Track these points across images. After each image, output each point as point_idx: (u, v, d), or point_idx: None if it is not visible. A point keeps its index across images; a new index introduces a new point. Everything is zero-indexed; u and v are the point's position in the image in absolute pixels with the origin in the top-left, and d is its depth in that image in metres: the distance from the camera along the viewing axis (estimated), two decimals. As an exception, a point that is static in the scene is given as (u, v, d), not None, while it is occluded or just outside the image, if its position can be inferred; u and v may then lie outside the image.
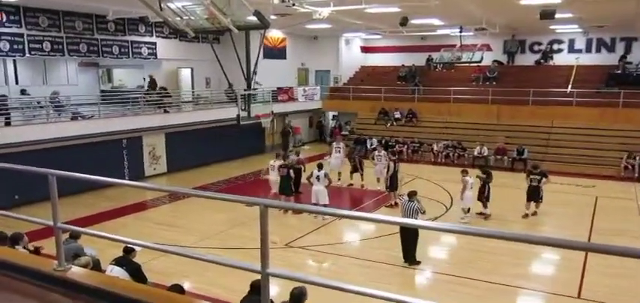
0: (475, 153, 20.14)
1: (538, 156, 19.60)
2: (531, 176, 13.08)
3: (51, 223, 3.29)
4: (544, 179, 13.01)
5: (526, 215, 13.03)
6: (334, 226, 12.32)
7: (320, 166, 13.50)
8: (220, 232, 11.91)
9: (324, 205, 12.25)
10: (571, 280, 9.18)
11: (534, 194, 12.99)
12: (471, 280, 9.20)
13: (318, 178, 13.07)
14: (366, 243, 11.45)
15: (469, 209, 12.78)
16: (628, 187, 16.66)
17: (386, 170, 14.76)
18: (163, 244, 3.65)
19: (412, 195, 10.16)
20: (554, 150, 19.98)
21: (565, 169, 18.13)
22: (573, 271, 9.52)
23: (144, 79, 21.79)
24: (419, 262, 9.86)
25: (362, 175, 16.55)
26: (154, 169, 18.49)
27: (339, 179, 16.80)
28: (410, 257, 9.79)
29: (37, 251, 7.49)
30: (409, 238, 9.73)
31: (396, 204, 14.33)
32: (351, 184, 16.77)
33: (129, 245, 7.19)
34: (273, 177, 13.90)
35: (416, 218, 9.63)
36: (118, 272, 6.71)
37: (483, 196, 12.93)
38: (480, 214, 12.92)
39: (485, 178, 12.97)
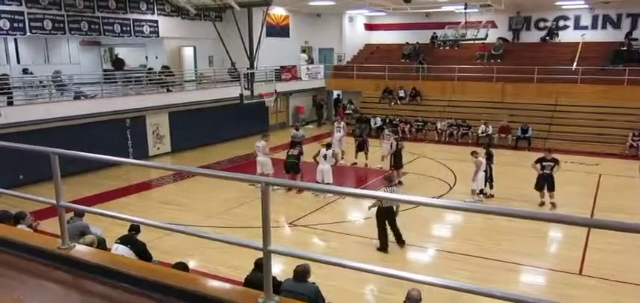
0: (479, 131, 20.06)
1: (542, 134, 19.55)
2: (544, 163, 12.09)
3: (54, 201, 3.31)
4: (556, 166, 12.09)
5: (542, 203, 12.17)
6: (338, 205, 12.36)
7: (328, 146, 13.49)
8: (224, 211, 11.98)
9: (329, 184, 12.28)
10: (573, 257, 9.21)
11: (549, 182, 12.05)
12: (474, 258, 9.25)
13: (325, 157, 13.08)
14: (370, 221, 11.46)
15: (481, 190, 12.61)
16: (632, 165, 16.59)
17: (390, 148, 14.75)
18: (168, 223, 3.67)
19: (390, 181, 10.12)
20: (558, 128, 19.88)
21: (569, 147, 18.06)
22: (576, 248, 9.56)
23: (146, 58, 21.72)
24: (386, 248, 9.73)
25: (367, 154, 16.52)
26: (158, 148, 18.53)
27: (342, 158, 16.80)
28: (400, 238, 9.74)
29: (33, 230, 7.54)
30: (393, 222, 9.66)
31: (400, 183, 14.36)
32: (355, 163, 16.78)
33: (133, 224, 7.25)
34: (261, 157, 13.82)
35: (395, 205, 9.54)
36: (122, 251, 6.78)
37: (486, 177, 12.85)
38: (481, 192, 12.86)
39: (487, 159, 12.83)
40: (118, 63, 20.06)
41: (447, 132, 21.09)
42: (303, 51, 25.84)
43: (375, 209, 9.66)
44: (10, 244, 3.30)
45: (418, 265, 9.40)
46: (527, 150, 18.84)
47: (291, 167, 13.50)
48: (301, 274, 5.66)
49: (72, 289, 2.96)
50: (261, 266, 4.10)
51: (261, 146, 13.82)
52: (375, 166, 16.04)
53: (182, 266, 5.79)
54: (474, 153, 12.67)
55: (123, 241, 7.06)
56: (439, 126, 21.32)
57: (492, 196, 12.92)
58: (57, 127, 14.34)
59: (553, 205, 12.13)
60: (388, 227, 9.65)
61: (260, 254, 2.67)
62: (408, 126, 21.76)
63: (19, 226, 6.91)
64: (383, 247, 9.61)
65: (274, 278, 4.88)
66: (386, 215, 9.52)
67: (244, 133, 21.03)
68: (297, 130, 16.83)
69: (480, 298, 2.60)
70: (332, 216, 11.69)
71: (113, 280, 2.86)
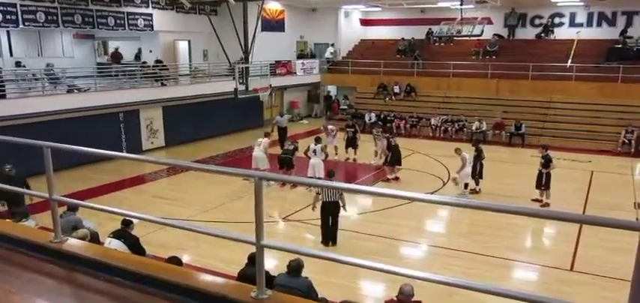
0: (473, 128, 20.11)
1: (536, 131, 19.64)
2: (541, 160, 12.01)
3: (46, 195, 3.29)
4: (551, 164, 11.86)
5: (534, 200, 12.03)
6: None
7: (318, 140, 13.51)
8: (218, 206, 11.95)
9: (319, 179, 12.28)
10: (565, 254, 9.28)
11: (538, 181, 11.99)
12: (466, 253, 9.29)
13: (315, 151, 13.09)
14: (363, 217, 11.51)
15: (466, 185, 12.68)
16: (624, 162, 16.72)
17: (383, 145, 14.81)
18: (161, 217, 3.66)
19: (332, 176, 10.11)
20: (552, 125, 19.98)
21: (562, 144, 18.16)
22: (567, 244, 9.62)
23: (139, 50, 21.61)
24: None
25: (356, 149, 16.54)
26: (152, 142, 18.45)
27: (337, 154, 16.81)
28: (335, 237, 9.66)
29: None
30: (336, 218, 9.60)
31: (396, 178, 14.38)
32: (348, 159, 16.79)
33: (127, 218, 7.23)
34: (257, 153, 13.78)
35: (340, 197, 9.53)
36: (116, 245, 6.75)
37: (475, 173, 12.84)
38: (466, 186, 12.89)
39: (477, 155, 12.81)
40: (116, 56, 20.00)
41: (442, 128, 21.14)
42: (332, 44, 26.72)
43: (319, 204, 9.58)
44: (2, 238, 3.28)
45: (411, 261, 9.43)
46: (521, 146, 18.94)
47: (285, 162, 13.50)
48: (294, 269, 5.67)
49: (64, 282, 2.95)
50: (254, 261, 4.12)
51: (263, 142, 13.80)
52: (368, 162, 16.06)
53: (175, 260, 5.79)
54: (457, 150, 12.71)
55: (116, 235, 7.04)
56: (433, 122, 21.36)
57: (479, 191, 12.91)
58: (50, 120, 14.25)
59: (543, 204, 11.95)
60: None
61: (254, 249, 2.67)
62: (403, 122, 21.79)
63: (23, 222, 6.91)
64: (325, 241, 9.59)
65: (267, 273, 4.88)
66: (330, 210, 9.47)
67: (239, 128, 21.00)
68: (281, 116, 17.20)
69: (473, 293, 2.61)
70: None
71: (106, 274, 2.85)
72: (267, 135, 14.40)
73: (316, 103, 26.92)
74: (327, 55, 26.46)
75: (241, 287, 2.74)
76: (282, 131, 17.72)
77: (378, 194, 3.27)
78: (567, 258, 9.11)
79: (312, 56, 26.81)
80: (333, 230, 9.63)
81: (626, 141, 18.19)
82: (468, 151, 12.91)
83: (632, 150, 17.92)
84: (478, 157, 12.82)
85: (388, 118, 21.82)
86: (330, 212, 9.50)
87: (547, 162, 11.90)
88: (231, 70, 19.46)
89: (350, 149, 16.63)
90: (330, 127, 17.38)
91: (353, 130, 16.68)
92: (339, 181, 14.36)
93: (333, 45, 26.69)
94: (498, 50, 23.93)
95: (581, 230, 10.02)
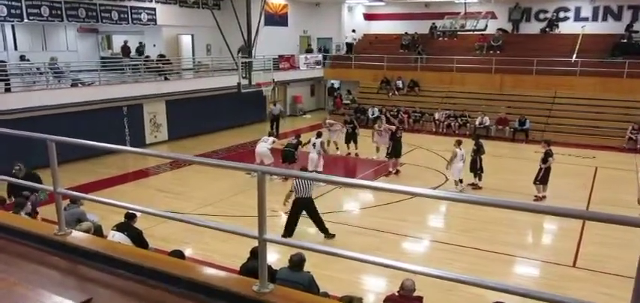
0: (477, 123, 20.05)
1: (540, 126, 19.56)
2: (542, 155, 11.93)
3: (51, 188, 3.31)
4: (550, 159, 11.77)
5: (536, 197, 11.93)
6: (333, 195, 12.36)
7: (319, 135, 13.54)
8: (221, 200, 11.99)
9: (321, 173, 12.33)
10: (567, 250, 9.26)
11: (536, 175, 11.95)
12: (467, 249, 9.29)
13: (314, 145, 13.13)
14: (365, 211, 11.53)
15: (461, 180, 12.62)
16: (629, 159, 16.63)
17: (387, 138, 14.79)
18: (164, 211, 3.68)
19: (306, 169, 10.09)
20: (556, 120, 19.89)
21: (566, 139, 18.09)
22: (570, 240, 9.61)
23: (139, 43, 21.64)
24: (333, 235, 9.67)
25: (356, 143, 16.55)
26: (155, 136, 18.50)
27: (337, 148, 16.81)
28: (325, 230, 9.56)
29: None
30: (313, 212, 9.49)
31: (398, 172, 14.37)
32: (349, 154, 16.79)
33: (130, 211, 7.26)
34: (260, 147, 13.76)
35: (311, 191, 9.43)
36: (119, 238, 6.79)
37: (476, 168, 12.80)
38: (472, 185, 12.87)
39: (477, 150, 12.76)
40: (126, 49, 20.08)
41: (445, 123, 21.08)
42: (353, 31, 27.28)
43: (291, 199, 9.49)
44: (7, 230, 3.31)
45: (413, 256, 9.44)
46: (524, 142, 18.87)
47: (288, 157, 13.51)
48: (297, 263, 5.69)
49: (68, 274, 2.97)
50: (257, 255, 4.13)
51: (269, 139, 13.81)
52: (370, 156, 16.05)
53: (178, 254, 5.81)
54: (457, 142, 12.70)
55: (119, 228, 7.07)
56: (437, 117, 21.31)
57: (480, 187, 12.89)
58: (54, 114, 14.30)
59: (540, 198, 11.95)
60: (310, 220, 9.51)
61: (256, 243, 2.68)
62: (406, 116, 21.76)
63: (21, 214, 6.93)
64: (288, 233, 9.39)
65: (269, 267, 4.89)
66: (304, 205, 9.37)
67: (241, 122, 21.01)
68: (274, 104, 17.22)
69: (474, 288, 2.62)
70: (327, 205, 11.67)
71: (109, 267, 2.87)
72: (271, 134, 14.56)
73: (332, 97, 26.62)
74: (350, 40, 26.79)
75: (244, 281, 2.75)
76: (275, 119, 18.98)
77: (379, 189, 3.28)
78: (570, 254, 9.10)
79: (325, 51, 26.80)
80: (319, 223, 9.49)
81: (633, 137, 18.08)
82: (469, 146, 12.87)
83: (638, 146, 17.82)
84: (478, 152, 12.77)
85: (391, 113, 21.77)
86: (303, 207, 9.36)
87: (546, 157, 11.85)
88: (234, 64, 19.47)
89: (351, 144, 16.64)
90: (328, 121, 17.40)
91: (351, 125, 16.70)
92: (337, 177, 14.38)
93: (354, 31, 27.16)
94: (502, 45, 23.83)
95: (584, 226, 10.00)
